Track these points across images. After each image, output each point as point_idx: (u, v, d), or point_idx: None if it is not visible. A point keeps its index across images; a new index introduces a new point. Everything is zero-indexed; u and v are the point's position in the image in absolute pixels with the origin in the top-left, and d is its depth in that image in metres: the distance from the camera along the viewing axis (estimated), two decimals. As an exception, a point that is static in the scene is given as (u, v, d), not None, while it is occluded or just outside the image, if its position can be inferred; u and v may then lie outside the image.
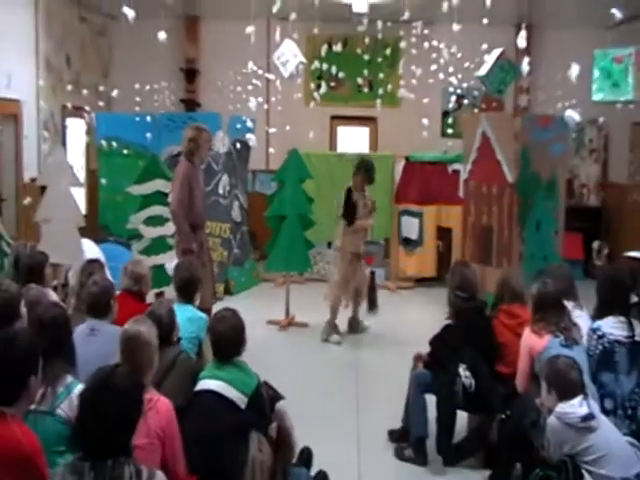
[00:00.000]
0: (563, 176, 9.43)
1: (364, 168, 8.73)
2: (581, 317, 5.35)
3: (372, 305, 9.09)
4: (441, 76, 10.24)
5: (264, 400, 4.32)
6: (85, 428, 2.84)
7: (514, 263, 9.00)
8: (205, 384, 4.23)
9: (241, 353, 4.36)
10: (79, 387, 3.60)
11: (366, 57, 12.00)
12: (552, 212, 8.99)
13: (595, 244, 12.39)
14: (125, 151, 11.07)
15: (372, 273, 9.20)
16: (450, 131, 13.70)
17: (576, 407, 4.21)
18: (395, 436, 5.86)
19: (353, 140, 14.45)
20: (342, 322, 8.98)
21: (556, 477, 4.21)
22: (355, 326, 9.14)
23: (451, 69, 9.93)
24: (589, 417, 4.17)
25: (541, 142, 9.05)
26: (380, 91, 11.89)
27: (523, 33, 7.79)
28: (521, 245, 9.09)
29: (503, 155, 9.23)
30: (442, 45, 9.46)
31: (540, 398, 4.53)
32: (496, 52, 8.73)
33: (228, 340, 4.30)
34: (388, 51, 12.15)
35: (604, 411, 4.74)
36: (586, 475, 4.13)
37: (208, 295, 7.63)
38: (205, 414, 4.12)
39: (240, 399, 4.15)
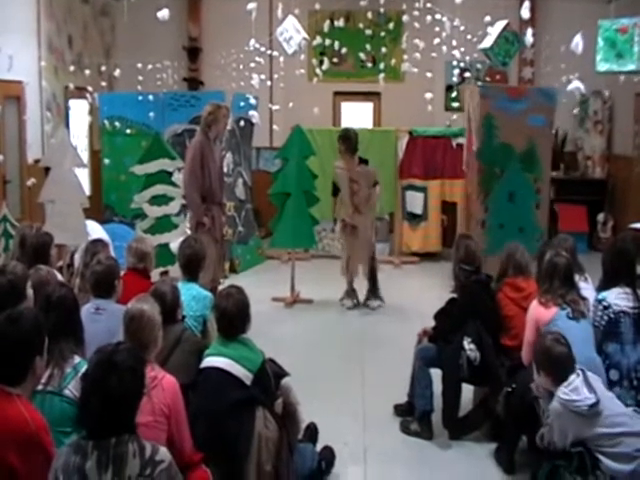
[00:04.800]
0: (546, 148, 9.33)
1: (340, 138, 8.80)
2: (586, 289, 5.34)
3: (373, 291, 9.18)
4: (444, 50, 10.17)
5: (269, 377, 4.34)
6: (89, 407, 2.86)
7: (474, 230, 9.08)
8: (211, 361, 4.25)
9: (246, 330, 4.38)
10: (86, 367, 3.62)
11: (369, 32, 11.92)
12: (531, 184, 8.97)
13: (600, 217, 12.40)
14: (128, 131, 11.06)
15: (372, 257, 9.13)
16: (454, 105, 13.62)
17: (582, 393, 4.19)
18: (400, 410, 5.88)
19: (357, 116, 14.39)
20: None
21: (565, 466, 4.22)
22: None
23: (454, 42, 9.86)
24: (596, 404, 4.16)
25: (513, 113, 9.08)
26: (383, 66, 11.83)
27: (527, 4, 7.74)
28: (484, 213, 9.14)
29: (474, 125, 9.50)
30: (445, 18, 9.39)
31: (534, 382, 4.54)
32: (500, 24, 8.67)
33: (233, 317, 4.31)
34: (391, 25, 12.10)
35: (609, 382, 4.76)
36: (602, 458, 4.13)
37: (216, 272, 7.68)
38: (211, 390, 4.15)
39: (245, 376, 4.17)
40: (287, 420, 4.35)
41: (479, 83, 13.02)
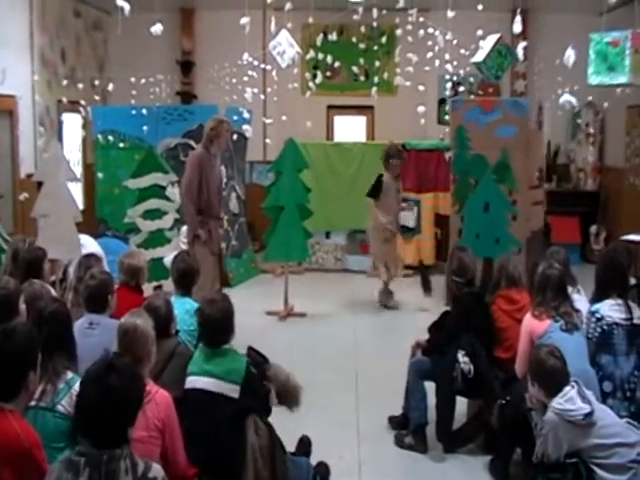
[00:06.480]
0: (521, 159, 9.13)
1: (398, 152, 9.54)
2: (579, 301, 5.35)
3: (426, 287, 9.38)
4: (437, 63, 10.22)
5: (256, 379, 4.27)
6: (83, 421, 2.84)
7: (454, 239, 9.35)
8: (194, 382, 4.18)
9: (229, 341, 4.28)
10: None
11: (362, 45, 11.92)
12: (504, 195, 8.98)
13: (593, 228, 12.44)
14: (122, 144, 11.05)
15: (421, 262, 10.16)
16: (447, 118, 13.63)
17: (576, 403, 4.18)
18: (395, 423, 5.86)
19: (350, 129, 14.42)
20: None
21: (560, 478, 4.21)
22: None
23: (447, 56, 9.90)
24: (590, 414, 4.15)
25: (483, 125, 9.16)
26: (376, 79, 11.86)
27: (518, 18, 7.77)
28: (460, 223, 9.28)
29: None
30: (437, 32, 9.43)
31: (528, 392, 4.52)
32: (492, 38, 8.71)
33: (216, 325, 4.22)
34: (384, 39, 12.17)
35: (603, 393, 4.76)
36: (596, 469, 4.12)
37: (213, 286, 7.67)
38: (199, 412, 4.07)
39: (232, 390, 4.10)
40: (285, 399, 4.37)
41: (472, 97, 13.08)
